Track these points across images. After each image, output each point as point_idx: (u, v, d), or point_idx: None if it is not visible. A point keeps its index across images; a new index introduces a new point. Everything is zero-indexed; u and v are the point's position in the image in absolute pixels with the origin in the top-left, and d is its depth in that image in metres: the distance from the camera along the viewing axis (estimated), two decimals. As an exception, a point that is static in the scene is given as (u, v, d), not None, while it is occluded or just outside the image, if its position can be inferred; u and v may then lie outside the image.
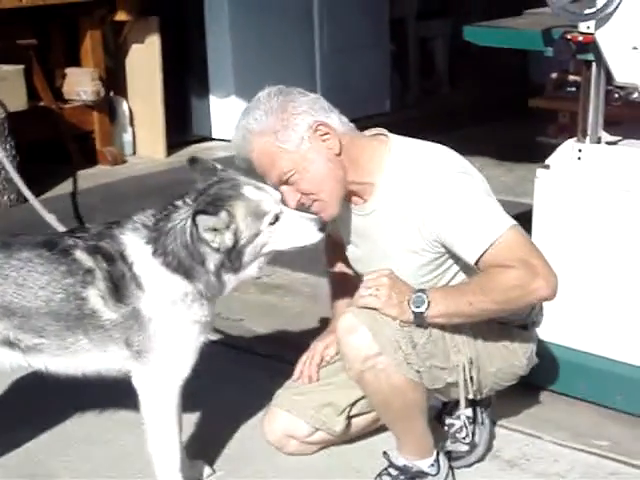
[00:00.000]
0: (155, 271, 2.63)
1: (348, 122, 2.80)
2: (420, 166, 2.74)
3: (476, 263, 2.63)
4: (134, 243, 2.65)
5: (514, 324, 2.92)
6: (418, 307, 2.62)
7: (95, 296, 2.62)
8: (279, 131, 2.68)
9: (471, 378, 2.79)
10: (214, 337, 3.81)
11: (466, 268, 2.76)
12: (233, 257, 2.59)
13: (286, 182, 2.73)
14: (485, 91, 8.15)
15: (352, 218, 2.89)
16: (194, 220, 2.54)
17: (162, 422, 2.73)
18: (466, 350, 2.78)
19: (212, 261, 2.60)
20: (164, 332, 2.65)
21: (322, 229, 2.65)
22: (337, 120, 2.76)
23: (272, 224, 2.60)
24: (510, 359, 2.89)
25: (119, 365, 2.73)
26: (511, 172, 6.34)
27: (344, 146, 2.75)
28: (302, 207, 2.76)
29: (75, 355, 2.69)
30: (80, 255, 2.64)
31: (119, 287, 2.62)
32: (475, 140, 6.49)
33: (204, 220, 2.54)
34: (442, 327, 2.73)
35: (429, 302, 2.62)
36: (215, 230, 2.55)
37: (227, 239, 2.56)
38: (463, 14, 8.06)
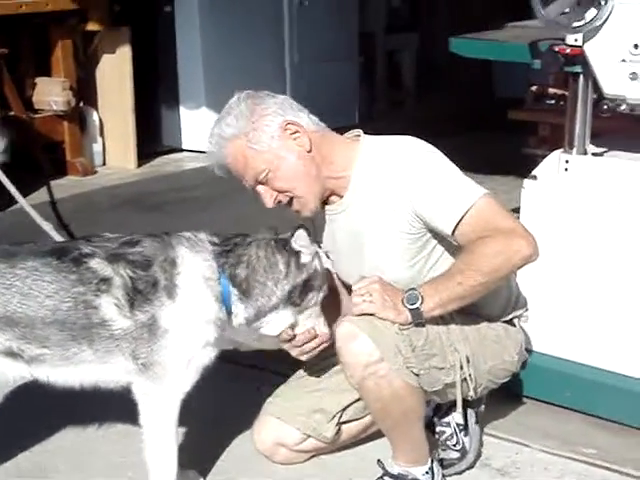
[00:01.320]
0: (198, 285, 2.64)
1: (318, 121, 2.87)
2: (391, 152, 2.81)
3: (453, 233, 2.68)
4: (191, 257, 2.66)
5: (502, 320, 2.96)
6: (413, 304, 2.65)
7: (108, 304, 2.59)
8: (249, 133, 2.75)
9: (469, 376, 2.82)
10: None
11: (450, 248, 2.80)
12: (300, 290, 2.71)
13: (261, 182, 2.79)
14: (451, 103, 8.23)
15: (333, 222, 2.93)
16: (292, 235, 2.68)
17: (162, 434, 2.71)
18: (462, 348, 2.81)
19: (279, 290, 2.69)
20: (176, 345, 2.63)
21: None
22: (306, 118, 2.82)
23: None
24: (502, 355, 2.93)
25: (120, 377, 2.71)
26: (482, 185, 6.38)
27: (314, 143, 2.81)
28: (280, 205, 2.83)
29: (77, 366, 2.67)
30: (96, 264, 2.62)
31: (142, 293, 2.60)
32: (446, 152, 6.51)
33: (303, 235, 2.68)
34: (437, 326, 2.76)
35: (422, 296, 2.64)
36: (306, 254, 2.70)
37: (313, 264, 2.72)
38: (430, 28, 8.17)
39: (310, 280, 2.72)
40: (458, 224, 2.66)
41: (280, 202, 2.82)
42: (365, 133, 2.91)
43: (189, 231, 2.74)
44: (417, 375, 2.71)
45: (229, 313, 2.68)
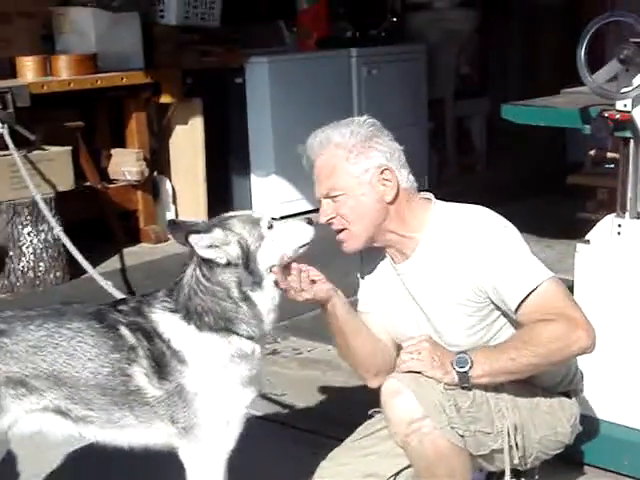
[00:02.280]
0: (194, 340, 2.65)
1: (414, 182, 2.90)
2: (463, 221, 2.83)
3: (516, 311, 2.69)
4: (165, 319, 2.67)
5: (557, 391, 2.94)
6: (462, 367, 2.67)
7: (140, 373, 2.64)
8: (353, 152, 2.79)
9: (516, 444, 2.80)
10: (256, 412, 3.84)
11: (512, 322, 2.80)
12: (251, 267, 2.63)
13: (331, 197, 2.83)
14: (523, 168, 8.22)
15: (394, 280, 2.95)
16: (187, 241, 2.56)
17: (210, 495, 2.73)
18: (510, 415, 2.79)
19: (232, 283, 2.63)
20: (210, 405, 2.66)
21: (310, 223, 2.75)
22: (405, 176, 2.86)
23: (270, 229, 2.68)
24: (554, 426, 2.90)
25: (165, 440, 2.74)
26: (551, 248, 6.35)
27: (398, 199, 2.84)
28: (328, 225, 2.87)
29: (122, 429, 2.71)
30: (124, 331, 2.67)
31: (161, 365, 2.64)
32: (514, 217, 6.48)
33: (196, 239, 2.59)
34: (486, 390, 2.76)
35: (472, 362, 2.66)
36: (215, 247, 2.60)
37: (231, 250, 2.62)
38: (500, 93, 8.19)
39: (246, 256, 2.64)
40: (522, 302, 2.68)
41: (331, 224, 2.85)
42: (435, 198, 2.96)
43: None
44: (462, 436, 2.71)
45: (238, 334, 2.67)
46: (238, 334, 2.67)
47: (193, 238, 2.58)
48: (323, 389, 4.26)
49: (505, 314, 2.81)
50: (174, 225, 2.81)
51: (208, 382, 2.66)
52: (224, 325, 2.66)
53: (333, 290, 2.87)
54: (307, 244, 2.74)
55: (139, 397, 2.65)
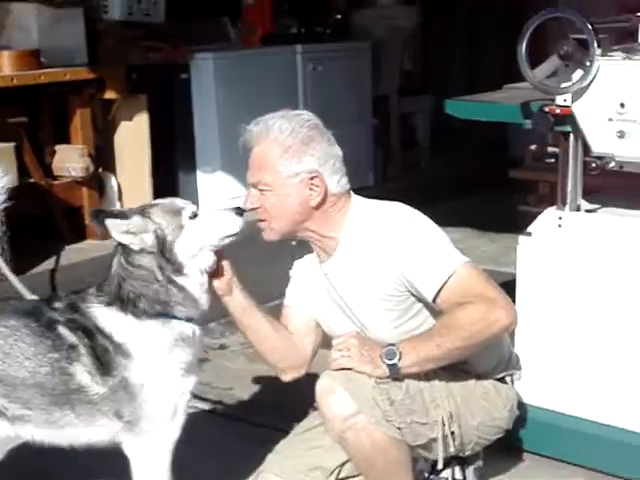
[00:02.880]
0: (134, 330, 2.65)
1: (345, 186, 2.92)
2: (378, 219, 2.88)
3: (434, 300, 2.75)
4: (103, 313, 2.67)
5: (492, 377, 3.00)
6: (391, 359, 2.72)
7: (82, 372, 2.63)
8: (287, 153, 2.81)
9: (452, 433, 2.86)
10: (204, 406, 3.86)
11: (434, 313, 2.86)
12: (167, 255, 2.63)
13: (258, 188, 2.86)
14: (466, 164, 8.31)
15: (323, 280, 2.99)
16: (104, 224, 2.58)
17: (156, 488, 2.72)
18: (445, 404, 2.85)
19: (154, 267, 2.63)
20: (156, 395, 2.66)
21: (240, 214, 2.74)
22: (336, 182, 2.88)
23: (192, 219, 2.66)
24: (491, 412, 2.97)
25: (109, 437, 2.73)
26: (494, 242, 6.45)
27: (323, 205, 2.87)
28: (250, 210, 2.88)
29: (62, 429, 2.69)
30: (62, 330, 2.65)
31: (104, 361, 2.63)
32: (457, 212, 6.61)
33: (113, 223, 2.61)
34: (419, 382, 2.81)
35: (400, 353, 2.71)
36: (132, 233, 2.60)
37: (147, 238, 2.62)
38: (443, 91, 8.27)
39: (163, 244, 2.65)
40: (439, 292, 2.74)
41: (253, 210, 2.87)
42: (378, 194, 3.00)
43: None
44: (399, 428, 2.76)
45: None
46: (176, 317, 2.68)
47: (109, 222, 2.61)
48: (271, 383, 4.26)
49: (427, 305, 2.86)
50: (98, 212, 2.77)
51: (153, 371, 2.65)
52: (161, 309, 2.66)
53: (228, 287, 2.85)
54: (235, 234, 2.74)
55: (81, 395, 2.64)
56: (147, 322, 2.66)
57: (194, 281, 2.69)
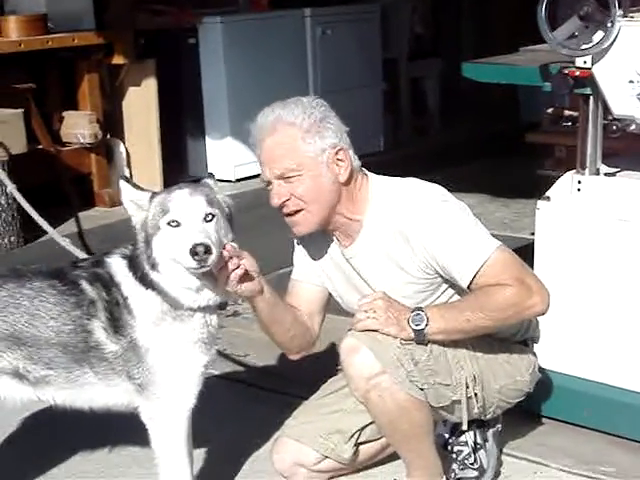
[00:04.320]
0: (135, 289, 2.65)
1: (358, 161, 2.89)
2: (403, 200, 2.83)
3: (469, 285, 2.72)
4: (116, 262, 2.69)
5: (514, 340, 2.98)
6: (418, 325, 2.72)
7: (99, 328, 2.65)
8: (309, 132, 2.76)
9: (475, 395, 2.85)
10: (219, 372, 3.84)
11: (461, 290, 2.83)
12: (147, 245, 2.61)
13: (285, 178, 2.78)
14: (477, 128, 8.26)
15: (343, 262, 2.95)
16: (118, 185, 2.62)
17: (173, 455, 2.74)
18: (469, 367, 2.84)
19: (142, 249, 2.62)
20: (162, 362, 2.65)
21: (202, 265, 2.51)
22: (354, 156, 2.86)
23: (172, 226, 2.56)
24: (513, 375, 2.96)
25: (126, 399, 2.74)
26: (507, 207, 6.42)
27: (350, 180, 2.84)
28: (280, 211, 2.82)
29: (82, 388, 2.70)
30: (85, 285, 2.67)
31: (116, 317, 2.65)
32: (469, 177, 6.57)
33: (125, 187, 2.63)
34: (443, 344, 2.80)
35: (428, 319, 2.70)
36: (137, 205, 2.61)
37: (139, 217, 2.62)
38: (454, 54, 8.19)
39: (145, 234, 2.61)
40: (474, 278, 2.71)
41: (283, 207, 2.81)
42: (390, 161, 2.96)
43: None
44: (422, 390, 2.75)
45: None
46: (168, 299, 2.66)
47: (123, 184, 2.64)
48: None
49: (453, 286, 2.84)
50: (126, 177, 2.78)
51: (156, 337, 2.65)
52: (152, 286, 2.65)
53: (259, 288, 2.77)
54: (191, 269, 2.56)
55: (98, 353, 2.65)
56: (143, 289, 2.66)
57: (169, 280, 2.62)
